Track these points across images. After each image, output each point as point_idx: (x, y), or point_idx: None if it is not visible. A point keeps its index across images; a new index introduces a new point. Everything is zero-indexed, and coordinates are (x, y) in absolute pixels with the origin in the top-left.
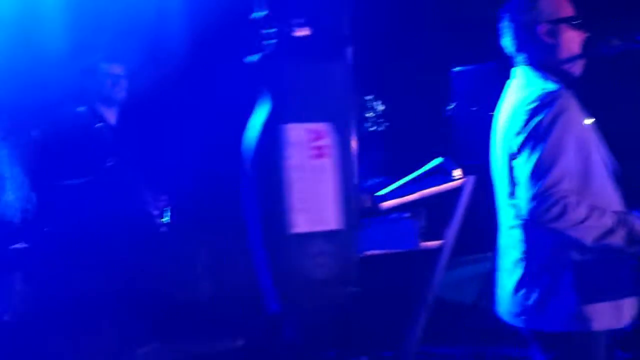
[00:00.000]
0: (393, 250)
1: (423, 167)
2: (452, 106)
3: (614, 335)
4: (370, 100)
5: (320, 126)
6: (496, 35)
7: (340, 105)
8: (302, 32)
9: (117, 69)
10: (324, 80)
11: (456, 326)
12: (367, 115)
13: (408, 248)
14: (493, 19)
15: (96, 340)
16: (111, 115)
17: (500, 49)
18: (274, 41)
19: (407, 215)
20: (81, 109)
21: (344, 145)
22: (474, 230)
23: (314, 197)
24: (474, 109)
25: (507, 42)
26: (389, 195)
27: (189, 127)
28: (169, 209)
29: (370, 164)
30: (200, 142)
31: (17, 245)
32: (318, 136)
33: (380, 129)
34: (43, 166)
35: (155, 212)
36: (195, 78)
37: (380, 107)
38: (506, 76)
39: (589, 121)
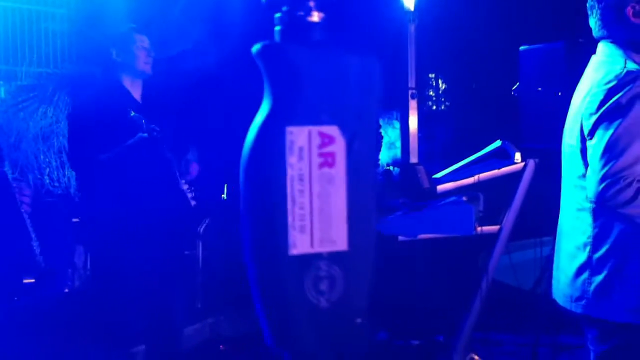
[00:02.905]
0: (450, 235)
1: (482, 150)
2: (516, 86)
3: None
4: (432, 78)
5: (331, 130)
6: (565, 14)
7: (358, 106)
8: (315, 16)
9: (147, 42)
10: (340, 76)
11: (513, 312)
12: (429, 93)
13: (463, 233)
14: None
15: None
16: (136, 89)
17: (568, 28)
18: (279, 27)
19: (464, 199)
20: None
21: (360, 153)
22: (534, 214)
23: (320, 213)
24: (540, 89)
25: (593, 22)
26: (446, 178)
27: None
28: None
29: (431, 144)
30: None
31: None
32: (328, 141)
33: (441, 108)
34: (76, 141)
35: (184, 185)
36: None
37: (443, 86)
38: (574, 56)
39: None
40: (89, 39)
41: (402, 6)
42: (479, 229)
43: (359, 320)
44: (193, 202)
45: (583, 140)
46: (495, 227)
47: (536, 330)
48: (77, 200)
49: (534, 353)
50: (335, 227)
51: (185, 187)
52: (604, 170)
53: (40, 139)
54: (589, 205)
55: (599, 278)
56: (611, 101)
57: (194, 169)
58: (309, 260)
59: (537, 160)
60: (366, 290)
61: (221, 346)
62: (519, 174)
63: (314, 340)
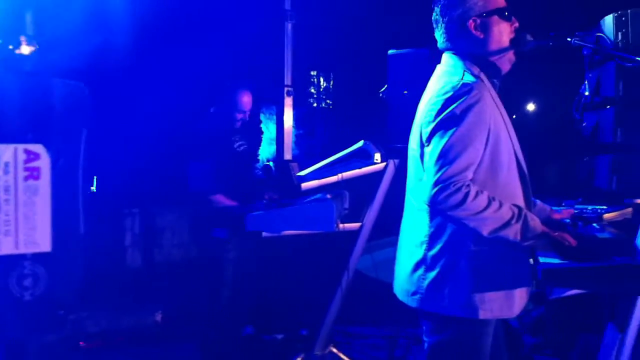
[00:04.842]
0: (312, 231)
1: (346, 149)
2: (384, 88)
3: (503, 323)
4: (314, 76)
5: (36, 147)
6: (432, 22)
7: (64, 126)
8: (26, 48)
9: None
10: (45, 100)
11: (375, 307)
12: (310, 90)
13: (326, 230)
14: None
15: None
16: None
17: (434, 35)
18: None
19: (327, 197)
20: None
21: (65, 168)
22: (397, 213)
23: (25, 219)
24: (406, 92)
25: (438, 34)
26: (310, 176)
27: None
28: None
29: (311, 141)
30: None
31: None
32: (33, 157)
33: (322, 105)
34: None
35: None
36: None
37: (324, 84)
38: (438, 62)
39: (504, 115)
40: None
41: (280, 5)
42: (340, 226)
43: (61, 312)
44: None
45: (422, 146)
46: (356, 225)
47: (396, 323)
48: None
49: (393, 344)
50: (39, 232)
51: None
52: (437, 176)
53: None
54: (425, 206)
55: (432, 274)
56: (447, 111)
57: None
58: (14, 260)
59: (397, 160)
60: (72, 286)
61: (81, 342)
62: (382, 173)
63: (20, 329)
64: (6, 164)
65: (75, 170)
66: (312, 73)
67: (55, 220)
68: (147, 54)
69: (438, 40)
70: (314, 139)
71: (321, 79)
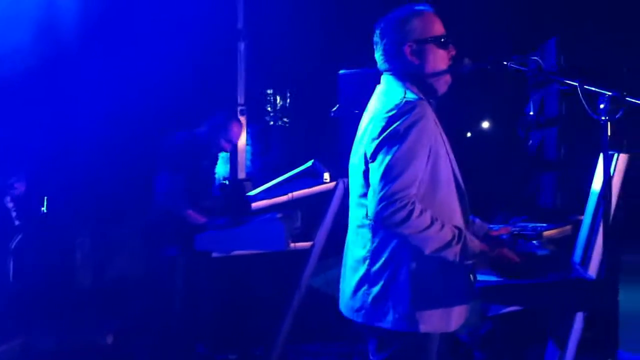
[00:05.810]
0: (262, 251)
1: (296, 168)
2: (336, 107)
3: (448, 338)
4: (270, 94)
5: None
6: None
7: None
8: None
9: None
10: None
11: (329, 325)
12: (267, 109)
13: (277, 249)
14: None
15: None
16: None
17: None
18: None
19: (277, 216)
20: None
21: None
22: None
23: None
24: (357, 111)
25: (378, 56)
26: (260, 195)
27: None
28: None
29: (266, 159)
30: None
31: None
32: None
33: (279, 123)
34: None
35: (9, 203)
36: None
37: (280, 102)
38: None
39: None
40: None
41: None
42: (292, 245)
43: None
44: (17, 222)
45: (366, 162)
46: (308, 244)
47: (351, 340)
48: None
49: None
50: None
51: (10, 204)
52: (382, 192)
53: None
54: (368, 222)
55: (375, 289)
56: (391, 128)
57: (20, 185)
58: None
59: (347, 179)
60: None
61: None
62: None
63: None
64: None
65: None
66: (268, 91)
67: None
68: (97, 63)
69: (377, 61)
70: (269, 156)
71: (277, 97)
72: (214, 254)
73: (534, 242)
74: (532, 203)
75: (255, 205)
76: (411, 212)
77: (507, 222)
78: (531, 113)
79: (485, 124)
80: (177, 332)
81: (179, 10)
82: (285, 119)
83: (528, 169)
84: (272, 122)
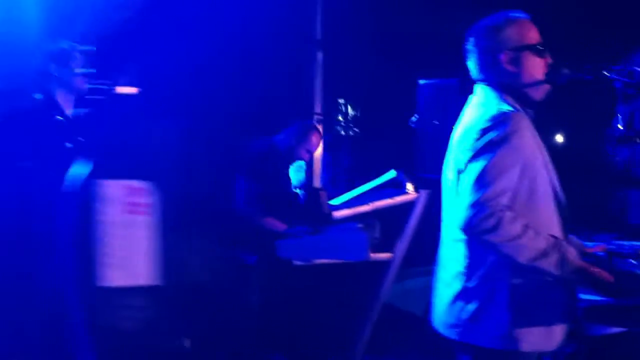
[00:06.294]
0: (344, 260)
1: (378, 179)
2: (415, 118)
3: (544, 356)
4: (342, 104)
5: (138, 183)
6: (461, 53)
7: (164, 163)
8: (127, 90)
9: (85, 61)
10: (148, 139)
11: (405, 337)
12: (338, 118)
13: (358, 259)
14: (461, 36)
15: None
16: (68, 105)
17: (463, 66)
18: (98, 97)
19: (359, 226)
20: (38, 96)
21: (171, 203)
22: (428, 242)
23: (126, 253)
24: (436, 122)
25: (471, 64)
26: (342, 205)
27: None
28: None
29: (336, 169)
30: None
31: None
32: (135, 193)
33: (350, 133)
34: None
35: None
36: None
37: (352, 112)
38: (468, 93)
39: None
40: None
41: (309, 35)
42: (372, 255)
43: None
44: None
45: (457, 175)
46: (388, 255)
47: (425, 354)
48: None
49: None
50: (138, 265)
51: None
52: (471, 199)
53: None
54: (463, 236)
55: (472, 306)
56: (485, 139)
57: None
58: (118, 291)
59: (429, 190)
60: (178, 316)
61: None
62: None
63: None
64: (112, 199)
65: (182, 205)
66: (339, 101)
67: (161, 253)
68: (178, 73)
69: (471, 70)
70: (339, 166)
71: (349, 107)
72: (295, 262)
73: (632, 260)
74: (618, 220)
75: (337, 214)
76: (501, 219)
77: (590, 239)
78: (620, 127)
79: (559, 138)
80: (254, 340)
81: (258, 20)
82: (356, 129)
83: (613, 185)
84: (343, 132)
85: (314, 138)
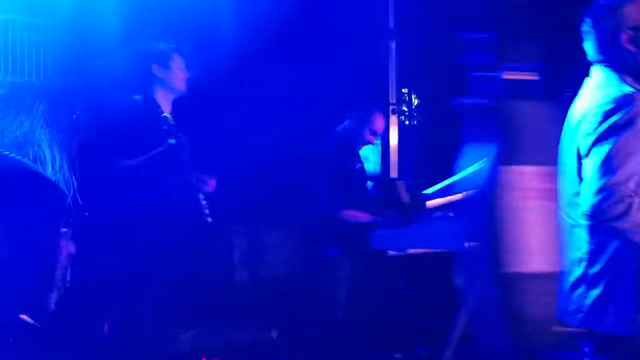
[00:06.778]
0: (438, 249)
1: (469, 168)
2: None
3: None
4: (405, 93)
5: (548, 169)
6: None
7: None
8: (528, 76)
9: (184, 62)
10: (546, 122)
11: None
12: (402, 108)
13: (453, 248)
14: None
15: (140, 325)
16: (167, 105)
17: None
18: (499, 85)
19: (450, 215)
20: (138, 97)
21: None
22: None
23: (545, 239)
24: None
25: (588, 46)
26: (434, 194)
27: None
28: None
29: (403, 158)
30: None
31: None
32: (545, 179)
33: (413, 122)
34: (89, 151)
35: (203, 200)
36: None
37: (416, 101)
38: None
39: None
40: (69, 51)
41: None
42: (467, 244)
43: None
44: (209, 219)
45: (579, 160)
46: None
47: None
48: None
49: None
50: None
51: (203, 202)
52: (599, 185)
53: (15, 149)
54: (584, 222)
55: (594, 292)
56: (608, 121)
57: (212, 184)
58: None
59: None
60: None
61: (203, 358)
62: None
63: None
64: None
65: None
66: (403, 90)
67: None
68: (254, 68)
69: (587, 52)
70: (406, 156)
71: (413, 97)
72: (390, 252)
73: None
74: None
75: (430, 203)
76: (631, 205)
77: None
78: None
79: None
80: (342, 330)
81: (331, 12)
82: (419, 118)
83: None
84: (407, 122)
85: (378, 119)
